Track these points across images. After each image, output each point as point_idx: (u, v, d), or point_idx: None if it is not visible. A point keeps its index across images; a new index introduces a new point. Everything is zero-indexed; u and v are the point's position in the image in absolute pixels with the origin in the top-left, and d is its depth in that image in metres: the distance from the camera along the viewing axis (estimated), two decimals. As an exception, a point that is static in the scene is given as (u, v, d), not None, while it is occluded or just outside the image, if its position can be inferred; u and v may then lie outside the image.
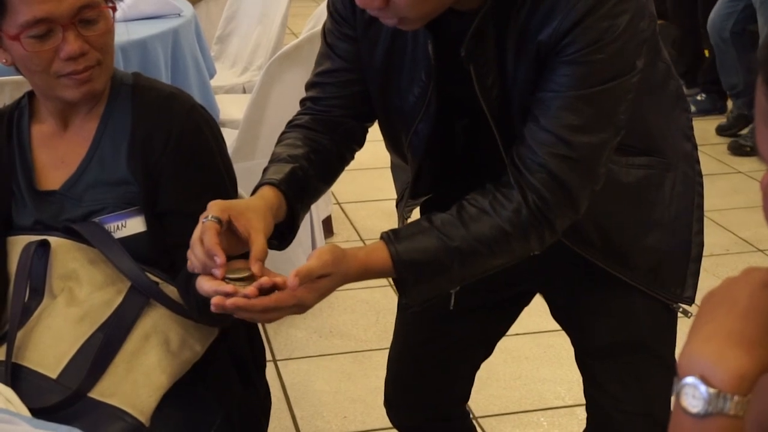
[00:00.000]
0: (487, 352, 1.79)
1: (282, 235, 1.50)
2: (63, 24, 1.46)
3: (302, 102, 1.58)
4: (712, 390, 0.79)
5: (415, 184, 1.53)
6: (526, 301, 1.74)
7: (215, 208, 1.34)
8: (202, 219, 1.33)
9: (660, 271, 1.55)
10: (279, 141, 1.54)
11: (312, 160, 1.49)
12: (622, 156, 1.45)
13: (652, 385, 1.62)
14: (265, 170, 1.48)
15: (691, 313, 1.56)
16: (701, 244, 1.59)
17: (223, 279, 1.29)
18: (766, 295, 0.82)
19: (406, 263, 1.34)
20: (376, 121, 1.58)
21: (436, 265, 1.36)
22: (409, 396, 1.79)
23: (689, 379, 0.80)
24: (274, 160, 1.49)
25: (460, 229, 1.35)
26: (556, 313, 1.69)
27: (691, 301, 1.57)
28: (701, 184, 1.59)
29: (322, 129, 1.53)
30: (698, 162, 1.59)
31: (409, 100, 1.44)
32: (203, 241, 1.30)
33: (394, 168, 1.67)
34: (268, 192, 1.42)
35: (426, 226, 1.37)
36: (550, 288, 1.66)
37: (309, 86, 1.57)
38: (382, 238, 1.37)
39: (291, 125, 1.56)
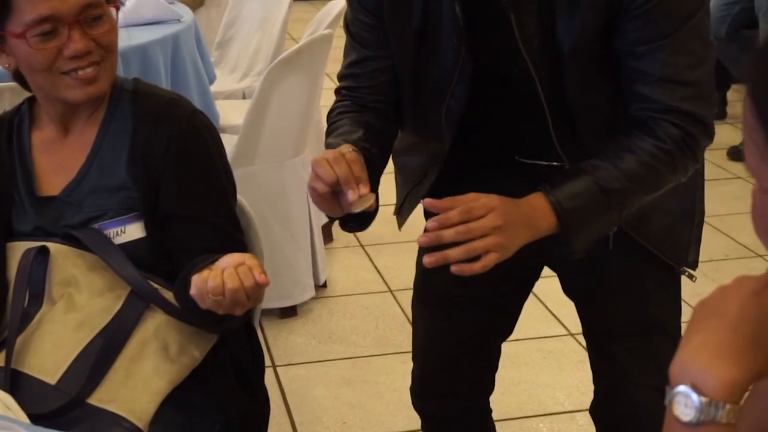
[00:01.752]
0: (506, 332, 1.79)
1: (362, 216, 1.45)
2: (69, 22, 1.47)
3: (337, 91, 1.60)
4: (704, 398, 0.79)
5: (446, 162, 1.53)
6: (538, 276, 1.75)
7: (345, 147, 1.36)
8: (342, 151, 1.35)
9: (671, 234, 1.59)
10: (330, 131, 1.54)
11: (371, 140, 1.49)
12: None
13: (663, 361, 1.64)
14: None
15: (696, 277, 1.62)
16: (702, 212, 1.64)
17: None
18: (757, 304, 0.82)
19: (568, 212, 1.36)
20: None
21: (595, 208, 1.38)
22: (435, 386, 1.80)
23: (681, 388, 0.81)
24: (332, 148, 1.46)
25: (612, 170, 1.38)
26: (569, 289, 1.71)
27: (695, 265, 1.62)
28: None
29: (366, 111, 1.54)
30: None
31: (444, 66, 1.45)
32: (352, 169, 1.32)
33: (404, 156, 1.65)
34: None
35: (578, 172, 1.39)
36: (565, 262, 1.65)
37: (341, 77, 1.59)
38: (539, 190, 1.38)
39: (336, 114, 1.56)
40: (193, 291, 1.38)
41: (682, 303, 1.68)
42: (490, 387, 1.83)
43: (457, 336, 1.73)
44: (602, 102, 1.46)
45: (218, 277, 1.34)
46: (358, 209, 1.33)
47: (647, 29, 1.36)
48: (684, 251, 1.61)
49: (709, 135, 1.43)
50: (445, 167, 1.56)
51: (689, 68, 1.38)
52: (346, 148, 1.37)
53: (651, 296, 1.64)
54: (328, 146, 1.49)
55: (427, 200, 1.32)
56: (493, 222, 1.30)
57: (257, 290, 1.35)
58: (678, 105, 1.38)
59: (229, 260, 1.38)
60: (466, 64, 1.44)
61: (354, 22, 1.54)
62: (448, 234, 1.29)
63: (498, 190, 1.50)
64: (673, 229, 1.59)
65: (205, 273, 1.37)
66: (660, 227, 1.57)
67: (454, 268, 1.30)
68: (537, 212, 1.36)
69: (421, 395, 1.83)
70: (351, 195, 1.31)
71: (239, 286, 1.33)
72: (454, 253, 1.30)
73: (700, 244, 1.63)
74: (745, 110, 0.80)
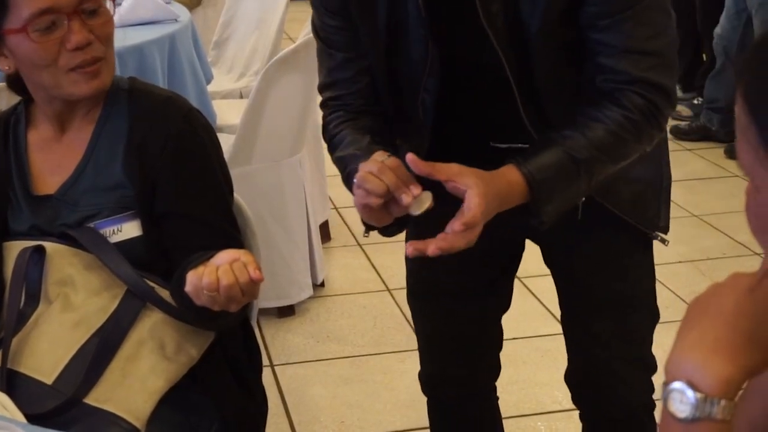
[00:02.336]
0: (503, 309, 1.81)
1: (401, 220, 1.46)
2: (68, 13, 1.47)
3: (324, 104, 1.58)
4: (699, 395, 0.80)
5: (428, 153, 1.53)
6: (521, 250, 1.77)
7: (380, 155, 1.37)
8: (380, 159, 1.35)
9: (640, 201, 1.61)
10: (335, 145, 1.53)
11: (380, 143, 1.49)
12: None
13: (639, 334, 1.71)
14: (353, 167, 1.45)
15: (668, 241, 1.65)
16: (669, 176, 1.67)
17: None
18: (752, 301, 0.83)
19: (540, 182, 1.37)
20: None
21: (566, 178, 1.40)
22: (443, 372, 1.82)
23: (676, 384, 0.81)
24: (349, 161, 1.47)
25: (581, 139, 1.40)
26: (549, 260, 1.73)
27: (666, 230, 1.64)
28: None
29: (361, 117, 1.54)
30: None
31: (414, 60, 1.46)
32: (397, 175, 1.32)
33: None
34: None
35: (548, 143, 1.41)
36: (545, 234, 1.65)
37: (323, 87, 1.57)
38: (511, 162, 1.39)
39: (333, 126, 1.54)
40: (188, 287, 1.39)
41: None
42: (496, 367, 1.85)
43: (454, 323, 1.75)
44: (569, 80, 1.47)
45: (213, 274, 1.34)
46: (418, 211, 1.33)
47: (609, 2, 1.37)
48: (655, 217, 1.63)
49: (673, 104, 1.46)
50: (426, 158, 1.57)
51: (652, 38, 1.40)
52: (382, 156, 1.36)
53: (628, 272, 1.67)
54: (340, 160, 1.50)
55: (409, 156, 1.31)
56: (477, 232, 1.32)
57: (252, 286, 1.35)
58: (643, 75, 1.40)
59: (225, 256, 1.38)
60: (434, 56, 1.44)
61: (322, 27, 1.52)
62: (434, 249, 1.31)
63: None
64: (642, 197, 1.61)
65: (200, 269, 1.37)
66: (629, 194, 1.59)
67: (431, 251, 1.30)
68: (512, 187, 1.37)
69: (430, 382, 1.85)
70: (405, 199, 1.31)
71: (234, 282, 1.33)
72: (431, 249, 1.31)
73: (669, 209, 1.66)
74: (738, 109, 0.81)
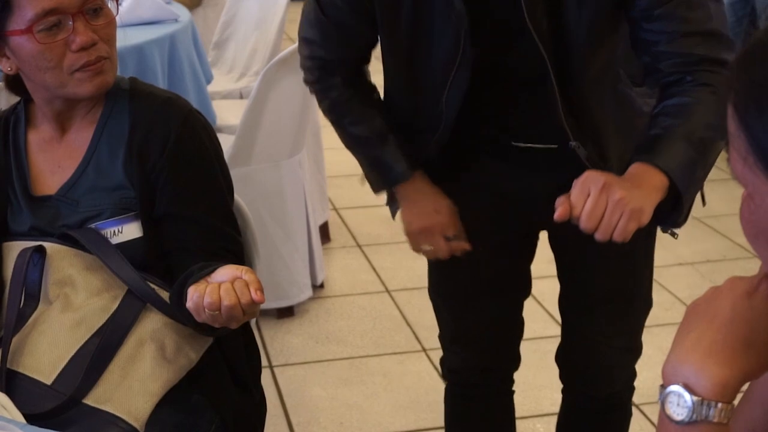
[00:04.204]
0: (525, 292, 1.83)
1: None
2: (72, 13, 1.47)
3: (307, 61, 1.65)
4: (696, 398, 0.80)
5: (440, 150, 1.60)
6: (537, 240, 1.79)
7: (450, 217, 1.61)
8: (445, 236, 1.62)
9: (599, 144, 1.59)
10: (342, 115, 1.65)
11: (386, 118, 1.63)
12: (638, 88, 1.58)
13: (637, 324, 1.78)
14: (378, 158, 1.63)
15: (678, 235, 1.62)
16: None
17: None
18: (749, 305, 0.83)
19: (675, 171, 1.39)
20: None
21: (692, 164, 1.42)
22: (467, 360, 1.85)
23: (673, 388, 0.82)
24: (376, 140, 1.62)
25: (690, 124, 1.43)
26: (557, 247, 1.76)
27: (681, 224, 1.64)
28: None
29: (353, 86, 1.64)
30: None
31: (441, 55, 1.49)
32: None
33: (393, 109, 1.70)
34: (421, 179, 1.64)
35: (663, 133, 1.43)
36: (552, 227, 1.69)
37: (306, 41, 1.64)
38: (638, 161, 1.40)
39: (332, 90, 1.64)
40: (189, 304, 1.37)
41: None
42: (517, 358, 1.89)
43: (481, 316, 1.78)
44: (610, 81, 1.51)
45: (215, 293, 1.33)
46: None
47: None
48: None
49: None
50: (440, 155, 1.60)
51: (707, 20, 1.45)
52: (444, 204, 1.62)
53: (635, 264, 1.71)
54: (357, 138, 1.64)
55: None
56: (614, 194, 1.33)
57: (253, 307, 1.35)
58: (709, 54, 1.44)
59: (226, 273, 1.36)
60: (467, 50, 1.45)
61: (331, 5, 1.55)
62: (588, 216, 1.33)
63: (494, 176, 1.54)
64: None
65: (202, 287, 1.35)
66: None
67: (598, 236, 1.34)
68: (648, 173, 1.39)
69: (455, 370, 1.88)
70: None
71: (236, 302, 1.32)
72: (597, 231, 1.33)
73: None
74: (729, 117, 0.81)
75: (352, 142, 1.67)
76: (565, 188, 1.55)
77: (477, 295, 1.75)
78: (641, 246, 1.69)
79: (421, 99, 1.57)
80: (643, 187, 1.37)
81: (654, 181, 1.38)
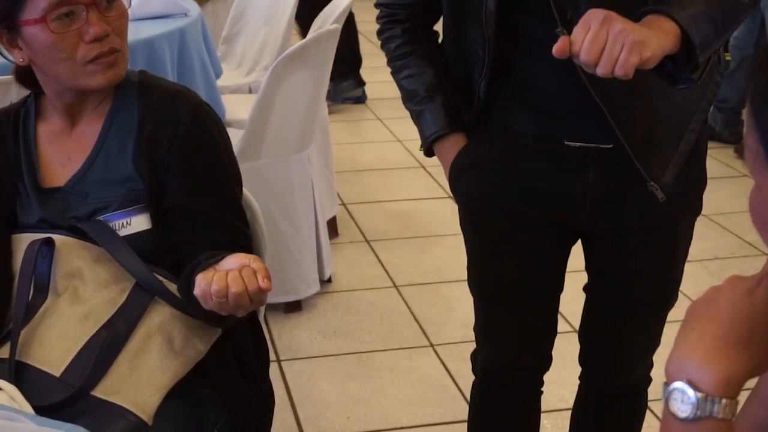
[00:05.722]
0: (560, 290, 1.82)
1: None
2: (86, 3, 1.47)
3: (378, 4, 1.74)
4: (700, 394, 0.80)
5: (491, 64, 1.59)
6: (573, 242, 1.79)
7: None
8: None
9: (651, 145, 1.57)
10: (399, 68, 1.72)
11: (441, 77, 1.69)
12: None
13: (664, 322, 1.79)
14: (422, 113, 1.69)
15: (665, 198, 1.59)
16: (691, 143, 1.62)
17: None
18: (750, 303, 0.84)
19: (688, 24, 1.36)
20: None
21: (708, 17, 1.40)
22: (504, 357, 1.84)
23: (677, 384, 0.82)
24: (424, 96, 1.68)
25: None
26: (594, 260, 1.76)
27: (668, 187, 1.59)
28: (714, 92, 1.63)
29: (415, 40, 1.71)
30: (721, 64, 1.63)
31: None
32: None
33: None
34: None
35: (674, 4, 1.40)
36: (596, 228, 1.70)
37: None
38: (656, 12, 1.38)
39: (394, 46, 1.72)
40: (196, 291, 1.39)
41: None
42: (550, 357, 1.87)
43: (522, 314, 1.77)
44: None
45: (222, 280, 1.34)
46: None
47: None
48: (660, 169, 1.60)
49: None
50: (491, 147, 1.66)
51: None
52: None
53: (677, 272, 1.73)
54: (408, 92, 1.70)
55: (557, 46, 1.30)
56: (615, 27, 1.29)
57: (260, 294, 1.35)
58: None
59: (234, 261, 1.37)
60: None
61: None
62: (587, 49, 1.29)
63: (540, 173, 1.61)
64: (652, 142, 1.58)
65: (210, 274, 1.37)
66: (641, 135, 1.57)
67: (599, 70, 1.30)
68: (658, 20, 1.36)
69: (491, 368, 1.86)
70: None
71: (243, 290, 1.33)
72: (598, 66, 1.29)
73: (678, 171, 1.62)
74: (746, 111, 0.84)
75: (402, 94, 1.73)
76: (615, 192, 1.58)
77: (515, 290, 1.74)
78: (682, 253, 1.71)
79: (460, 32, 1.61)
80: (651, 28, 1.34)
81: (662, 25, 1.35)
